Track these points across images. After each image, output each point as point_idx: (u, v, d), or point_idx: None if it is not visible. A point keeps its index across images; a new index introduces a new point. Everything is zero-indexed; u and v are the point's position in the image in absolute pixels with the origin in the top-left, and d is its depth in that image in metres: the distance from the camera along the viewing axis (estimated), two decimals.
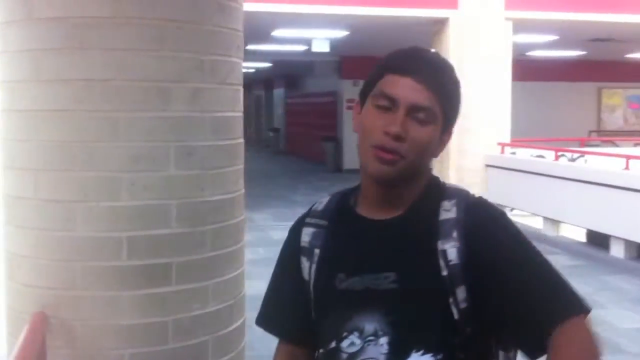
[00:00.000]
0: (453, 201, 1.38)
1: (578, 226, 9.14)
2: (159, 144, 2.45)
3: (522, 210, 10.40)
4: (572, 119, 18.99)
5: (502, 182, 10.61)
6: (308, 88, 24.09)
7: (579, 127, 18.36)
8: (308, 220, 1.50)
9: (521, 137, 12.55)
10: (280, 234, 1.73)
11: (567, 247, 9.04)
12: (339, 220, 1.46)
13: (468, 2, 10.82)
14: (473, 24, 10.78)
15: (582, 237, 9.18)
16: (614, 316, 6.36)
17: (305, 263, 1.46)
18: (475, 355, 1.34)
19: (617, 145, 14.22)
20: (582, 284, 7.37)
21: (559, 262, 8.33)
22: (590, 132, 19.17)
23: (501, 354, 1.39)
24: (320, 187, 14.56)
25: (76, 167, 2.40)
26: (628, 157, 8.50)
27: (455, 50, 10.83)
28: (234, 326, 2.70)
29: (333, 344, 1.38)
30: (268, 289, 1.57)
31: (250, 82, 31.50)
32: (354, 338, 1.35)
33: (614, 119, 20.68)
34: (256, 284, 2.49)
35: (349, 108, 18.59)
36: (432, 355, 1.31)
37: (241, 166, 2.81)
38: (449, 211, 1.37)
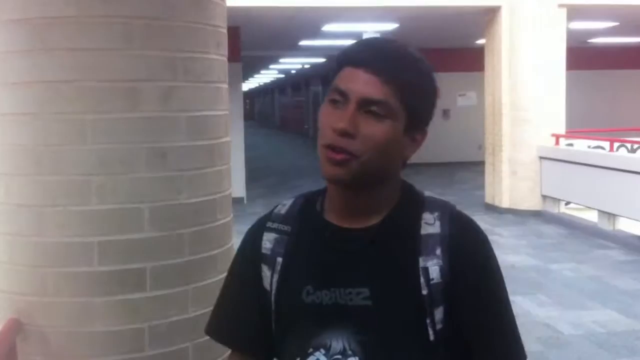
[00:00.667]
0: (436, 214, 1.27)
1: (635, 220, 8.73)
2: (129, 145, 2.38)
3: (576, 204, 10.04)
4: (634, 107, 18.26)
5: (556, 174, 10.26)
6: None
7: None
8: (269, 224, 1.36)
9: (580, 127, 12.12)
10: None
11: (622, 241, 8.67)
12: (304, 226, 1.33)
13: None
14: (526, 11, 10.44)
15: (639, 232, 8.77)
16: None
17: (266, 272, 1.34)
18: None
19: None
20: (635, 280, 7.06)
21: (612, 257, 8.02)
22: None
23: None
24: None
25: (44, 171, 2.35)
26: None
27: (508, 39, 10.54)
28: None
29: None
30: (220, 295, 1.45)
31: (308, 78, 31.50)
32: (320, 355, 1.25)
33: None
34: None
35: None
36: None
37: (226, 166, 2.71)
38: (432, 225, 1.25)
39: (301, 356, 1.26)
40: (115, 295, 2.40)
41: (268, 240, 1.34)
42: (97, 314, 2.40)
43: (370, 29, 13.19)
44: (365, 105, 1.21)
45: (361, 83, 1.21)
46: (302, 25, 12.86)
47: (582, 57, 15.65)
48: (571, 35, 10.93)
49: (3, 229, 2.45)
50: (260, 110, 56.33)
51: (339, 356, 1.22)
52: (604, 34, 15.12)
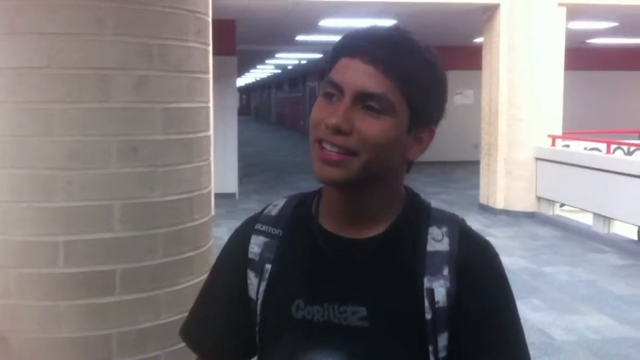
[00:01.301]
0: (444, 229, 1.13)
1: (630, 224, 8.64)
2: (99, 138, 2.23)
3: (571, 206, 9.94)
4: (633, 109, 18.21)
5: (552, 175, 10.15)
6: None
7: (639, 118, 17.57)
8: (258, 226, 1.21)
9: (579, 128, 12.02)
10: None
11: (617, 245, 8.58)
12: (297, 232, 1.19)
13: None
14: (525, 10, 10.32)
15: (634, 235, 8.67)
16: None
17: (253, 279, 1.19)
18: None
19: None
20: (630, 285, 6.97)
21: (607, 260, 7.91)
22: None
23: None
24: None
25: (7, 164, 2.21)
26: None
27: (506, 37, 10.42)
28: None
29: None
30: (200, 296, 1.30)
31: (305, 73, 31.42)
32: None
33: None
34: None
35: None
36: None
37: (205, 162, 2.55)
38: (439, 241, 1.12)
39: None
40: (81, 299, 2.25)
41: (256, 244, 1.20)
42: (62, 319, 2.25)
43: (368, 24, 13.07)
44: (362, 100, 1.06)
45: (357, 75, 1.07)
46: (299, 19, 12.75)
47: (581, 57, 15.55)
48: (570, 35, 10.81)
49: None
50: (256, 105, 56.33)
51: None
52: (603, 35, 15.04)
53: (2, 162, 2.21)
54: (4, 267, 2.24)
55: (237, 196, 11.87)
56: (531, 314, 5.87)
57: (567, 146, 10.45)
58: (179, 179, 2.40)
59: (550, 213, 10.23)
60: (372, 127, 1.06)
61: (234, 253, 1.24)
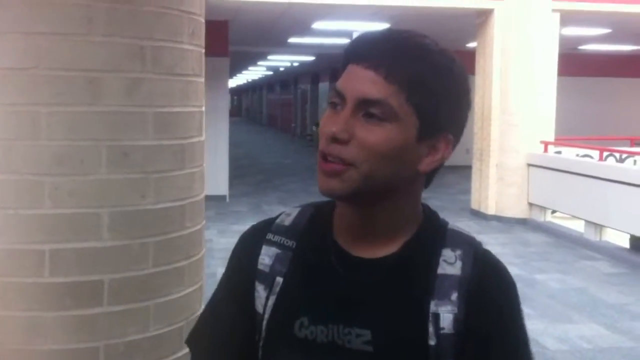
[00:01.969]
0: (458, 252, 1.06)
1: (621, 231, 8.63)
2: (88, 142, 2.14)
3: (563, 213, 9.93)
4: (626, 116, 18.27)
5: (544, 182, 10.14)
6: None
7: (632, 126, 17.62)
8: (270, 236, 1.15)
9: (571, 135, 12.01)
10: None
11: (609, 253, 8.57)
12: (310, 245, 1.12)
13: None
14: (519, 15, 10.31)
15: (625, 243, 8.66)
16: None
17: (261, 292, 1.12)
18: None
19: None
20: (622, 293, 6.96)
21: (599, 268, 7.89)
22: None
23: None
24: None
25: None
26: None
27: (500, 42, 10.40)
28: (182, 353, 2.36)
29: None
30: (208, 305, 1.23)
31: (297, 76, 31.37)
32: None
33: None
34: None
35: None
36: None
37: (198, 169, 2.47)
38: (452, 265, 1.05)
39: None
40: (68, 310, 2.17)
41: (267, 255, 1.14)
42: (47, 330, 2.17)
43: (361, 28, 13.04)
44: (364, 107, 1.00)
45: (358, 81, 1.01)
46: (292, 21, 12.70)
47: (574, 63, 15.57)
48: (563, 41, 10.80)
49: None
50: (247, 107, 56.28)
51: None
52: (597, 41, 15.07)
53: None
54: None
55: (227, 199, 11.80)
56: None
57: (559, 152, 10.44)
58: (171, 185, 2.32)
59: (541, 219, 10.21)
60: (372, 135, 0.99)
61: (243, 263, 1.17)
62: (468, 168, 11.72)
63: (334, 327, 1.05)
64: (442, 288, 1.03)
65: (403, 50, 1.02)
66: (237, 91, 56.14)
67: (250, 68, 29.01)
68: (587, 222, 9.17)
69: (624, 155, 9.90)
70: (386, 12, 11.25)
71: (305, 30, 13.70)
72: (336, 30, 13.36)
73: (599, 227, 8.98)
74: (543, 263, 8.11)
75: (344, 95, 1.02)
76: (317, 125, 29.49)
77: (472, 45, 12.14)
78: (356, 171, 1.00)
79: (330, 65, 23.93)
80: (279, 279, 1.10)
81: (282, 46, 17.24)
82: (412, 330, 1.03)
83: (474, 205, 11.04)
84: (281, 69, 28.09)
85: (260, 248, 1.14)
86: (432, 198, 12.62)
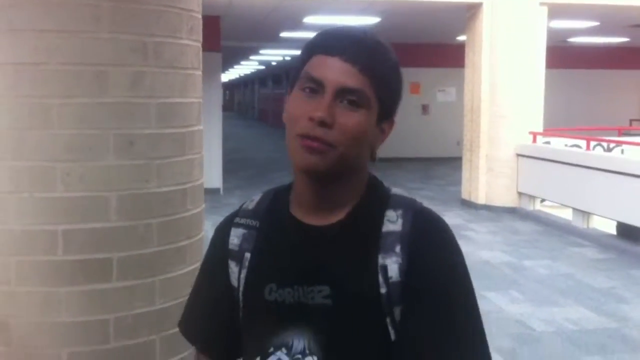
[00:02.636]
0: (399, 211, 1.22)
1: (608, 218, 8.80)
2: (96, 131, 2.31)
3: (552, 201, 10.10)
4: (614, 107, 18.45)
5: (533, 172, 10.30)
6: None
7: (620, 116, 17.81)
8: (237, 220, 1.31)
9: (561, 126, 12.18)
10: None
11: (596, 239, 8.73)
12: (272, 222, 1.28)
13: None
14: (507, 9, 10.45)
15: (612, 230, 8.84)
16: (638, 312, 6.08)
17: (234, 268, 1.28)
18: None
19: None
20: (608, 278, 7.10)
21: (586, 255, 8.06)
22: (632, 121, 18.58)
23: None
24: None
25: (7, 156, 2.28)
26: None
27: (489, 36, 10.55)
28: None
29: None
30: (192, 290, 1.41)
31: (289, 70, 31.32)
32: (281, 355, 1.20)
33: None
34: None
35: None
36: None
37: (197, 155, 2.64)
38: (394, 223, 1.20)
39: (262, 355, 1.22)
40: (80, 286, 2.33)
41: (236, 236, 1.29)
42: (61, 304, 2.33)
43: (352, 22, 13.15)
44: (342, 95, 1.16)
45: (338, 72, 1.16)
46: (283, 16, 12.77)
47: (562, 56, 15.71)
48: (551, 34, 10.94)
49: None
50: (240, 101, 56.13)
51: (300, 355, 1.18)
52: (584, 34, 15.19)
53: (2, 154, 2.28)
54: (4, 255, 2.32)
55: (221, 191, 11.91)
56: (511, 305, 5.99)
57: (548, 143, 10.60)
58: (173, 171, 2.50)
59: (530, 208, 10.36)
60: (352, 120, 1.15)
61: (217, 248, 1.33)
62: (459, 160, 11.86)
63: (299, 288, 1.19)
64: (386, 243, 1.18)
65: (372, 48, 1.19)
66: (230, 86, 56.07)
67: (242, 62, 29.03)
68: (575, 210, 9.33)
69: (611, 145, 10.06)
70: (377, 7, 11.35)
71: (297, 25, 13.78)
72: (328, 25, 13.35)
73: (586, 214, 9.14)
74: (532, 250, 8.26)
75: (322, 83, 1.16)
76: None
77: (461, 38, 12.27)
78: (335, 152, 1.15)
79: None
80: (247, 255, 1.26)
81: (273, 41, 17.31)
82: (364, 281, 1.17)
83: (465, 196, 11.20)
84: (273, 63, 28.13)
85: (230, 231, 1.30)
86: (423, 189, 12.79)
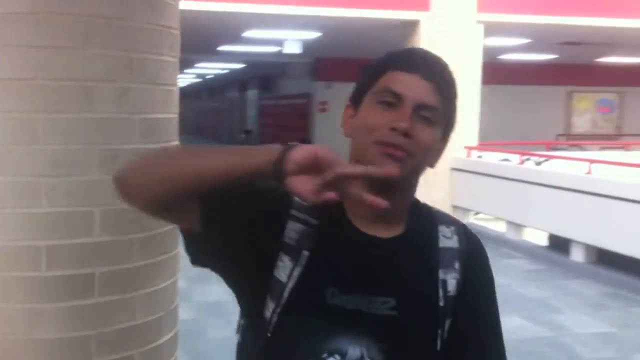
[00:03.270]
0: (452, 228, 1.35)
1: (540, 230, 9.14)
2: (82, 146, 2.32)
3: (486, 214, 10.39)
4: (543, 122, 19.11)
5: (467, 185, 10.59)
6: (282, 90, 23.86)
7: (548, 131, 18.46)
8: (295, 213, 1.28)
9: (493, 140, 12.55)
10: None
11: (528, 251, 9.05)
12: (331, 226, 1.28)
13: (440, 4, 10.77)
14: (444, 26, 10.74)
15: (544, 242, 9.18)
16: (571, 321, 6.36)
17: (287, 262, 1.25)
18: None
19: (584, 149, 14.28)
20: (540, 288, 7.37)
21: (519, 266, 8.35)
22: (558, 135, 19.29)
23: None
24: None
25: None
26: (591, 162, 8.50)
27: None
28: (163, 340, 2.56)
29: None
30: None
31: (224, 83, 31.19)
32: None
33: (584, 123, 20.84)
34: (216, 290, 2.34)
35: (322, 110, 18.47)
36: None
37: None
38: (449, 239, 1.33)
39: (314, 358, 1.24)
40: (63, 302, 2.32)
41: (293, 231, 1.27)
42: (46, 321, 2.32)
43: (293, 37, 13.24)
44: (419, 110, 1.25)
45: (418, 88, 1.26)
46: (222, 30, 12.75)
47: (493, 72, 16.18)
48: (484, 51, 11.29)
49: None
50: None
51: None
52: (516, 51, 15.70)
53: None
54: None
55: None
56: None
57: (480, 157, 10.91)
58: None
59: (465, 221, 10.62)
60: (427, 134, 1.25)
61: (279, 204, 1.27)
62: None
63: (361, 297, 1.25)
64: (445, 259, 1.31)
65: (444, 70, 1.30)
66: None
67: (178, 76, 28.69)
68: (509, 222, 9.65)
69: (541, 159, 10.45)
70: (317, 22, 11.48)
71: (236, 39, 13.79)
72: (267, 39, 13.50)
73: (519, 226, 9.47)
74: None
75: (401, 98, 1.25)
76: (245, 132, 29.22)
77: None
78: (412, 161, 1.24)
79: (259, 73, 23.96)
80: (306, 252, 1.25)
81: (211, 54, 17.25)
82: (427, 295, 1.29)
83: None
84: (209, 76, 27.95)
85: (287, 223, 1.27)
86: None
